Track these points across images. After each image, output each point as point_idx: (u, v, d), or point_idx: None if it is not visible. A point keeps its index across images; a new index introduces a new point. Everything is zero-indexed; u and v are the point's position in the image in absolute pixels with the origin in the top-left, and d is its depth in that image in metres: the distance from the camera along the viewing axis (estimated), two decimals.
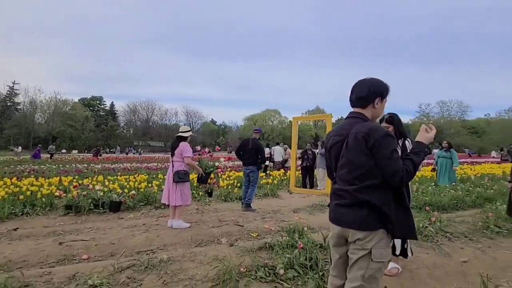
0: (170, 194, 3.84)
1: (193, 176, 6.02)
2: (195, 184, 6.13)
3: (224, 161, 4.08)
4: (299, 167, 8.10)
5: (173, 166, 3.90)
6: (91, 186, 5.21)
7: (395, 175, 1.31)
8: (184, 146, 3.87)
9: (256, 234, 3.82)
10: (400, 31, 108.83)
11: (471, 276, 2.66)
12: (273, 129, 57.70)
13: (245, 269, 2.52)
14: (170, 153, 4.06)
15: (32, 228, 4.00)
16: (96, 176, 7.63)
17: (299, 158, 7.87)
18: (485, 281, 2.19)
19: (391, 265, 2.57)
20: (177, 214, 3.94)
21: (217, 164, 3.84)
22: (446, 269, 2.80)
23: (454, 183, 7.23)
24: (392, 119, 2.60)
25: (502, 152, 20.56)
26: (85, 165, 12.94)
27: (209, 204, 5.65)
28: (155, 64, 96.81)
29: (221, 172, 6.63)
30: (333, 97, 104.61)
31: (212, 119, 67.42)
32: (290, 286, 2.31)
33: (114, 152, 34.30)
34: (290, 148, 8.63)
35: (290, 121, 65.98)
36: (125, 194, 5.12)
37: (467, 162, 18.32)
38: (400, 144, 2.52)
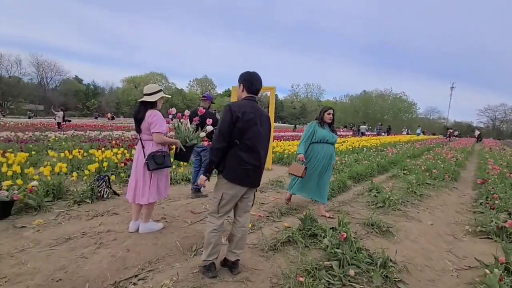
0: (140, 188, 2.62)
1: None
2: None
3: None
4: None
5: (143, 146, 2.64)
6: None
7: None
8: (153, 117, 2.61)
9: (250, 224, 3.27)
10: (284, 17, 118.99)
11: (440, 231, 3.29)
12: None
13: (306, 275, 2.05)
14: (134, 127, 2.72)
15: None
16: None
17: None
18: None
19: None
20: (145, 214, 2.78)
21: (202, 134, 2.89)
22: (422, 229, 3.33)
23: None
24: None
25: (353, 128, 26.60)
26: None
27: None
28: None
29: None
30: (218, 68, 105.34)
31: (76, 76, 53.83)
32: (363, 286, 2.06)
33: None
34: None
35: (176, 88, 61.44)
36: (16, 187, 3.20)
37: None
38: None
